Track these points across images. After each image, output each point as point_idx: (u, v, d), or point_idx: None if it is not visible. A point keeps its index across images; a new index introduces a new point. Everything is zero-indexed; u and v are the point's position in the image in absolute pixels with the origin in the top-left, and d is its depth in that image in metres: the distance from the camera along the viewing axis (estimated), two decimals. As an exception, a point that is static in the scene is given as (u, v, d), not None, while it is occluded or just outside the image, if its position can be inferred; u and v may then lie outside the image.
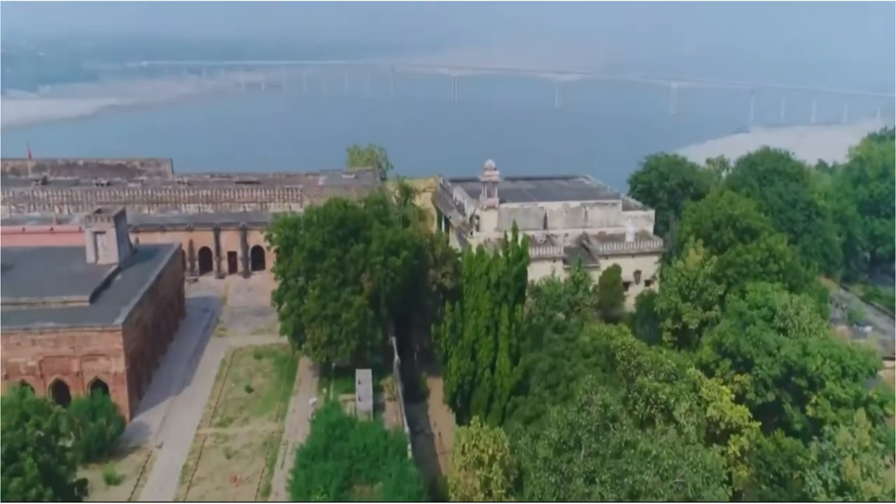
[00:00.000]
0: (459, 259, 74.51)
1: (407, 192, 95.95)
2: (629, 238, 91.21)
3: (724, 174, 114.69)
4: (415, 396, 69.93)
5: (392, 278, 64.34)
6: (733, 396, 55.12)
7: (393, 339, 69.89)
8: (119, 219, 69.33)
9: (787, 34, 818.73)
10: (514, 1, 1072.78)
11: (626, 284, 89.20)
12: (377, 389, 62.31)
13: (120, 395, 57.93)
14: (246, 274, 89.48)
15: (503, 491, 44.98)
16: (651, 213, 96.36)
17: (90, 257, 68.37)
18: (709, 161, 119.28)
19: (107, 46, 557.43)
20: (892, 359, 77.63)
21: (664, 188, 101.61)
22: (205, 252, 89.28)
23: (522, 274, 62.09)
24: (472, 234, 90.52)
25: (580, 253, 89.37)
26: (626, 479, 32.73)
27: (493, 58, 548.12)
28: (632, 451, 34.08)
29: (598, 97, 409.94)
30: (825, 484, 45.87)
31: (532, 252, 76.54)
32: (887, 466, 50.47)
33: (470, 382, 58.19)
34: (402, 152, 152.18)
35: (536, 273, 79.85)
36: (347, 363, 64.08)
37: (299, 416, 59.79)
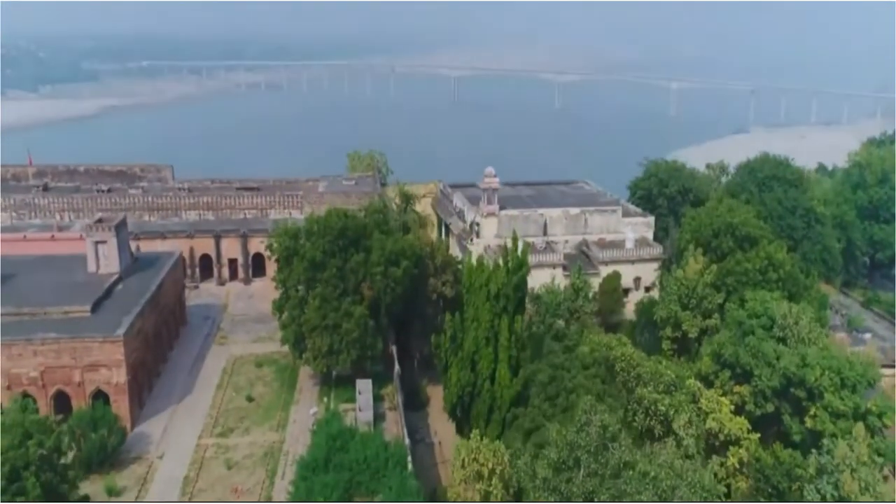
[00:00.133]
0: (460, 266, 74.73)
1: (407, 199, 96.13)
2: (629, 245, 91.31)
3: (723, 179, 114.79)
4: (415, 404, 70.14)
5: (392, 288, 64.55)
6: (733, 407, 55.38)
7: (393, 348, 70.11)
8: (120, 228, 69.48)
9: (788, 34, 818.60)
10: (515, 1, 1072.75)
11: (626, 291, 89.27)
12: (377, 399, 62.49)
13: (121, 406, 58.13)
14: (246, 281, 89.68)
15: (503, 504, 45.26)
16: (651, 219, 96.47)
17: (91, 266, 68.51)
18: (708, 166, 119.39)
19: (107, 46, 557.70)
20: (892, 366, 77.85)
21: (664, 195, 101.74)
22: (205, 259, 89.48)
23: (522, 284, 62.26)
24: (472, 240, 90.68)
25: (580, 260, 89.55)
26: (624, 500, 32.92)
27: (493, 58, 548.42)
28: (630, 471, 34.29)
29: (598, 98, 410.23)
30: (823, 498, 46.09)
31: (532, 259, 76.85)
32: (886, 478, 50.81)
33: (470, 393, 58.39)
34: (402, 155, 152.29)
35: (536, 280, 79.95)
36: (348, 371, 64.29)
37: (300, 426, 59.95)
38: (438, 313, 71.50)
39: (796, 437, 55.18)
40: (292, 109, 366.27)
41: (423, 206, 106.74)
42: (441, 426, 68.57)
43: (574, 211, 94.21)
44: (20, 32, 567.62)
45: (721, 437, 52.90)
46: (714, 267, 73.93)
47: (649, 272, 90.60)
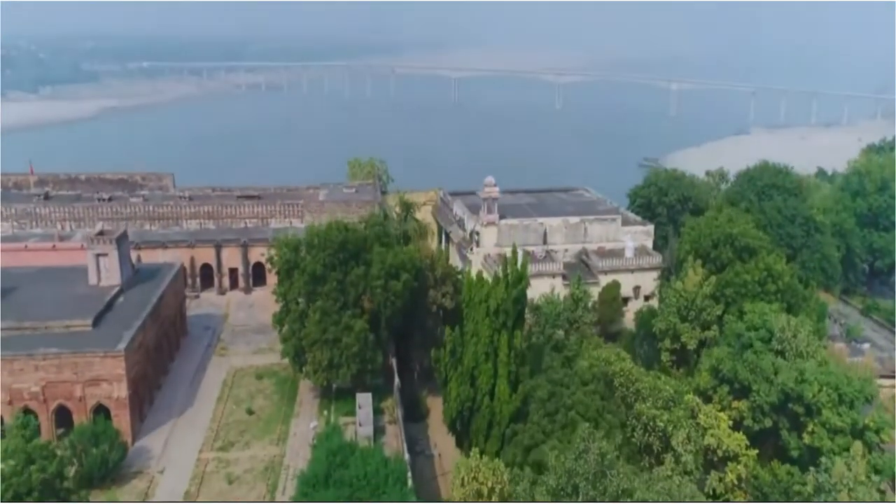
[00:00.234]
0: (459, 277, 74.97)
1: (407, 208, 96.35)
2: (628, 253, 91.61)
3: (722, 187, 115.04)
4: (415, 416, 70.35)
5: (392, 301, 64.79)
6: (731, 423, 55.58)
7: (393, 360, 70.35)
8: (121, 240, 69.70)
9: (788, 34, 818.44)
10: (515, 1, 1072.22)
11: (626, 300, 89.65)
12: (378, 412, 62.72)
13: (122, 420, 58.33)
14: (247, 290, 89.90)
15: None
16: (650, 227, 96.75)
17: (92, 279, 68.73)
18: (708, 173, 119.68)
19: (107, 47, 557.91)
20: (892, 377, 77.93)
21: (663, 203, 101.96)
22: (206, 268, 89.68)
23: (522, 297, 62.35)
24: (472, 249, 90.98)
25: (580, 269, 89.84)
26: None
27: (493, 58, 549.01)
28: (628, 498, 34.54)
29: (599, 98, 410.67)
30: (821, 516, 46.37)
31: (532, 268, 77.14)
32: (883, 492, 51.02)
33: (469, 408, 58.59)
34: (402, 158, 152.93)
35: (536, 290, 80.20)
36: (348, 384, 64.52)
37: (300, 440, 60.13)
38: (438, 325, 71.71)
39: (794, 453, 55.40)
40: (293, 110, 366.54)
41: (424, 214, 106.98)
42: (441, 438, 68.74)
43: (574, 220, 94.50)
44: (20, 33, 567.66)
45: (719, 452, 53.14)
46: (713, 278, 74.15)
47: (649, 281, 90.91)
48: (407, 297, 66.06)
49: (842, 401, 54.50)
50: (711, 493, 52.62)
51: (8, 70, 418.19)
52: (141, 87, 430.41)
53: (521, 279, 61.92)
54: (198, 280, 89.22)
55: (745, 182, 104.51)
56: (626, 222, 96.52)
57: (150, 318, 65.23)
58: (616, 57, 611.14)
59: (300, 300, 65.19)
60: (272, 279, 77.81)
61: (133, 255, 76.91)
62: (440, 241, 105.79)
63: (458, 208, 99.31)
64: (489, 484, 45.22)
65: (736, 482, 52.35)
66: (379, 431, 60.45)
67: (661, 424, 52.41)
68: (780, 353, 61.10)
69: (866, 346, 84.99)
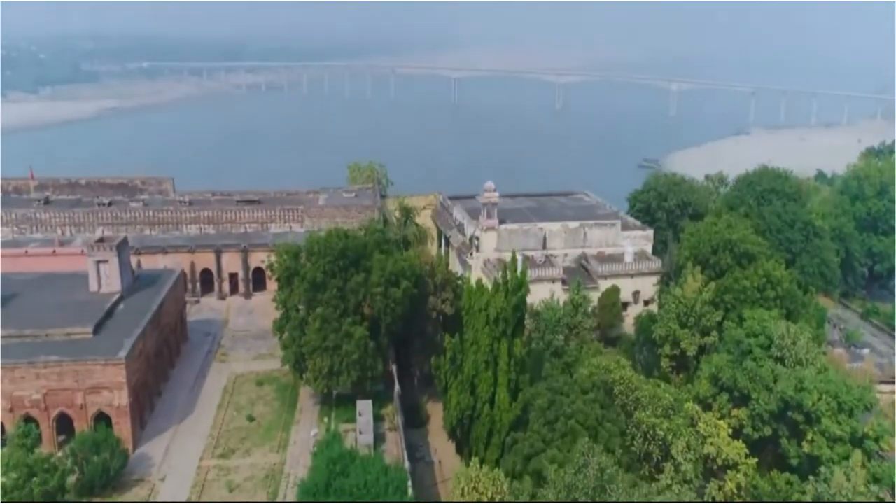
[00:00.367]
0: (459, 282, 75.08)
1: (407, 213, 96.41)
2: (628, 258, 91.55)
3: (722, 191, 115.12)
4: (415, 422, 70.45)
5: (392, 308, 64.89)
6: (730, 431, 55.67)
7: (393, 367, 70.45)
8: (121, 247, 69.74)
9: (787, 34, 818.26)
10: (515, 1, 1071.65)
11: (625, 305, 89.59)
12: (378, 419, 62.83)
13: (123, 428, 58.43)
14: (247, 295, 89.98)
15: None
16: (650, 232, 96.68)
17: (93, 286, 68.84)
18: (707, 177, 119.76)
19: (107, 47, 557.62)
20: (891, 382, 77.98)
21: (663, 208, 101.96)
22: (206, 273, 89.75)
23: (521, 304, 62.42)
24: (472, 254, 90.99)
25: (579, 273, 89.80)
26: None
27: (493, 58, 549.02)
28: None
29: (599, 99, 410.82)
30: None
31: (531, 273, 77.12)
32: (881, 500, 51.09)
33: (469, 416, 58.71)
34: (401, 161, 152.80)
35: (536, 295, 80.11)
36: (349, 391, 64.65)
37: (301, 448, 60.21)
38: (438, 330, 71.84)
39: (794, 462, 55.50)
40: (293, 111, 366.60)
41: (423, 219, 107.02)
42: (441, 444, 68.84)
43: (573, 224, 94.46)
44: (20, 33, 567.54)
45: (719, 461, 53.25)
46: (712, 284, 74.19)
47: (648, 286, 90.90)
48: (407, 303, 66.16)
49: (841, 409, 54.58)
50: (711, 501, 52.74)
51: (8, 70, 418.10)
52: (141, 88, 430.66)
53: (520, 286, 61.98)
54: (198, 285, 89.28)
55: (744, 186, 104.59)
56: (625, 227, 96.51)
57: (151, 325, 65.31)
58: (616, 57, 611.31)
59: (300, 307, 65.28)
60: (272, 284, 77.90)
61: (133, 260, 76.96)
62: (440, 246, 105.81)
63: (458, 213, 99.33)
64: (489, 494, 45.30)
65: (735, 491, 52.45)
66: (379, 438, 60.58)
67: (661, 433, 52.53)
68: (780, 359, 61.18)
69: (866, 351, 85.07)
